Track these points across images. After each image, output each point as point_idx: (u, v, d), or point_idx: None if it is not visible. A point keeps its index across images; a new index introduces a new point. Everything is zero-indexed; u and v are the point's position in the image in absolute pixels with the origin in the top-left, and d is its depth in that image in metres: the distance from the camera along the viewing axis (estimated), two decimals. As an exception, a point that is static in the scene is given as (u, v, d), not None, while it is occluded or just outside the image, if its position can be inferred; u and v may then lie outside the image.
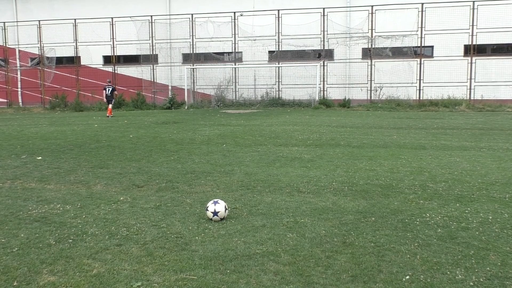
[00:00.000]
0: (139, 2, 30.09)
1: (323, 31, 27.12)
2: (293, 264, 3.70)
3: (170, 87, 29.86)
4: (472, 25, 25.28)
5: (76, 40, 30.47)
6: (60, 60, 31.37)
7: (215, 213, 4.84)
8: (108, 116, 20.26)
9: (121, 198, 5.88)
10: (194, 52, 29.31)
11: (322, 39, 27.28)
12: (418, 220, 4.83)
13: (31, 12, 31.65)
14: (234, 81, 29.09)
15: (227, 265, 3.69)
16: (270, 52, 28.66)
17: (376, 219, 4.92)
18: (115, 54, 30.32)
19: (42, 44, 30.78)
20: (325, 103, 25.52)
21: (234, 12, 27.97)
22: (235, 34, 28.39)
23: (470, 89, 25.61)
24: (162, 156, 9.14)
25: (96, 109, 27.14)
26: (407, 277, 3.45)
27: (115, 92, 22.22)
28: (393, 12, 26.13)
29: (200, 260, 3.79)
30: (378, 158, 8.76)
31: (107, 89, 21.52)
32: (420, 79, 26.19)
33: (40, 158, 9.07)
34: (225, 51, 29.32)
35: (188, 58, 29.81)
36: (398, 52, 26.91)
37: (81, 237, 4.40)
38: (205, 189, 6.38)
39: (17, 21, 31.75)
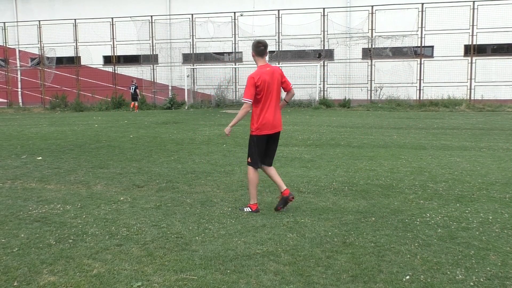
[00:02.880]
0: (139, 2, 30.10)
1: (323, 31, 27.12)
2: (293, 264, 3.70)
3: (170, 87, 29.87)
4: (472, 25, 25.29)
5: (76, 40, 30.48)
6: (60, 60, 31.38)
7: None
8: (135, 111, 23.67)
9: (121, 198, 5.88)
10: (194, 52, 29.32)
11: (322, 39, 27.29)
12: (418, 220, 4.83)
13: (31, 12, 31.66)
14: (234, 81, 29.09)
15: (227, 265, 3.69)
16: (270, 52, 28.66)
17: (376, 219, 4.91)
18: (115, 54, 30.33)
19: (42, 44, 30.79)
20: (325, 103, 25.52)
21: (234, 12, 27.98)
22: (235, 34, 28.40)
23: (470, 89, 25.62)
24: (162, 156, 9.14)
25: (97, 109, 27.15)
26: (407, 277, 3.45)
27: (137, 90, 25.14)
28: (393, 12, 26.13)
29: (200, 260, 3.79)
30: (378, 158, 8.76)
31: (131, 87, 24.89)
32: (420, 79, 26.19)
33: (40, 158, 9.07)
34: (225, 51, 29.34)
35: (188, 58, 29.82)
36: (398, 52, 26.92)
37: (81, 237, 4.40)
38: (205, 189, 6.38)
39: (17, 21, 31.76)
